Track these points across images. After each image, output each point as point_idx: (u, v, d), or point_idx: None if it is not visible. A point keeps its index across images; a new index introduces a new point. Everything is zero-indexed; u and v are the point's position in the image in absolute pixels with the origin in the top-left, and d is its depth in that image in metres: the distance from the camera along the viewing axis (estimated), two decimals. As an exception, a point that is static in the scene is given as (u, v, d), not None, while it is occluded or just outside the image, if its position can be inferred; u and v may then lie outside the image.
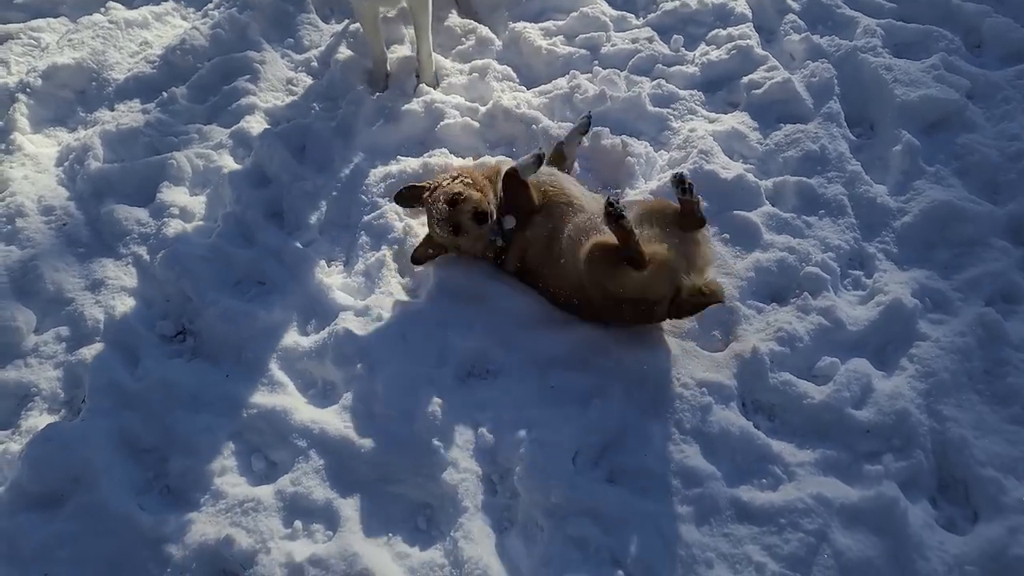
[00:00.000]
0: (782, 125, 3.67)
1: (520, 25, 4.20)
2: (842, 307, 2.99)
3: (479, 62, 4.03)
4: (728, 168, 3.42)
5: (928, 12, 4.16)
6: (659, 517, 2.50)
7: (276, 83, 4.02)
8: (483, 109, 3.72)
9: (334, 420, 2.70)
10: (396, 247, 3.20)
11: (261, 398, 2.76)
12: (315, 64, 4.13)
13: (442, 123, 3.64)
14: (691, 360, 2.87)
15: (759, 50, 3.97)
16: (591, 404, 2.73)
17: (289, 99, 3.93)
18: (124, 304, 3.13)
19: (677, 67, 3.97)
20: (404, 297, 3.07)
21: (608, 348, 2.84)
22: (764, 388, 2.80)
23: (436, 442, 2.61)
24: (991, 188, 3.37)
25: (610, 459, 2.66)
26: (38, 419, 2.83)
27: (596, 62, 4.02)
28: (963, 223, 3.19)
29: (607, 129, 3.60)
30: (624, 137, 3.58)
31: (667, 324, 2.94)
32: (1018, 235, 3.19)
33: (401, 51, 4.13)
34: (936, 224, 3.22)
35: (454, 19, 4.31)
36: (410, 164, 3.45)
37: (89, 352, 2.95)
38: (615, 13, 4.30)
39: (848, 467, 2.62)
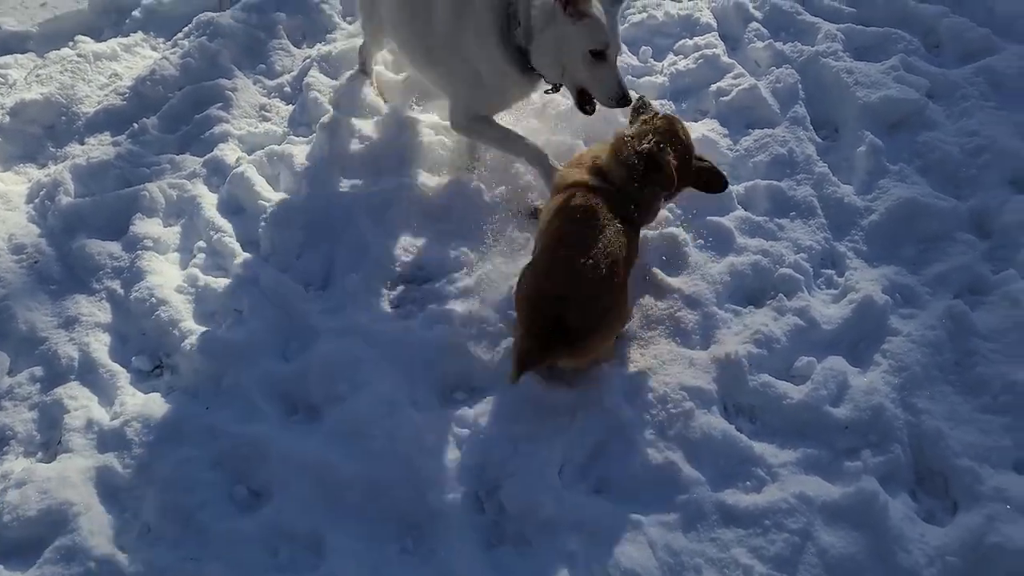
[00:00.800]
0: (751, 130, 3.73)
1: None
2: (816, 307, 3.03)
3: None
4: (699, 175, 3.46)
5: (886, 15, 4.25)
6: (646, 526, 2.50)
7: (249, 110, 4.02)
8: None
9: (317, 445, 2.68)
10: (375, 266, 3.20)
11: (242, 427, 2.73)
12: (288, 89, 4.13)
13: (417, 140, 3.63)
14: (672, 367, 2.89)
15: (725, 58, 4.03)
16: (575, 416, 2.75)
17: (263, 125, 3.93)
18: (99, 340, 3.09)
19: (647, 78, 4.03)
20: (385, 316, 3.07)
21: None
22: (744, 391, 2.83)
23: (421, 462, 2.61)
24: (954, 183, 3.44)
25: (596, 470, 2.67)
26: (14, 463, 2.77)
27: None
28: (928, 219, 3.26)
29: (581, 141, 3.64)
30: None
31: (645, 332, 2.99)
32: (981, 228, 3.26)
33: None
34: (902, 221, 3.28)
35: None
36: (388, 183, 3.46)
37: (64, 391, 2.90)
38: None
39: (828, 464, 2.64)
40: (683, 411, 2.74)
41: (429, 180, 3.45)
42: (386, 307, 3.10)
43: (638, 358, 2.92)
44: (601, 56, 2.80)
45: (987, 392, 2.74)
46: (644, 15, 4.33)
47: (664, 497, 2.57)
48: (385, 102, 3.89)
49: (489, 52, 3.03)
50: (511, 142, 3.26)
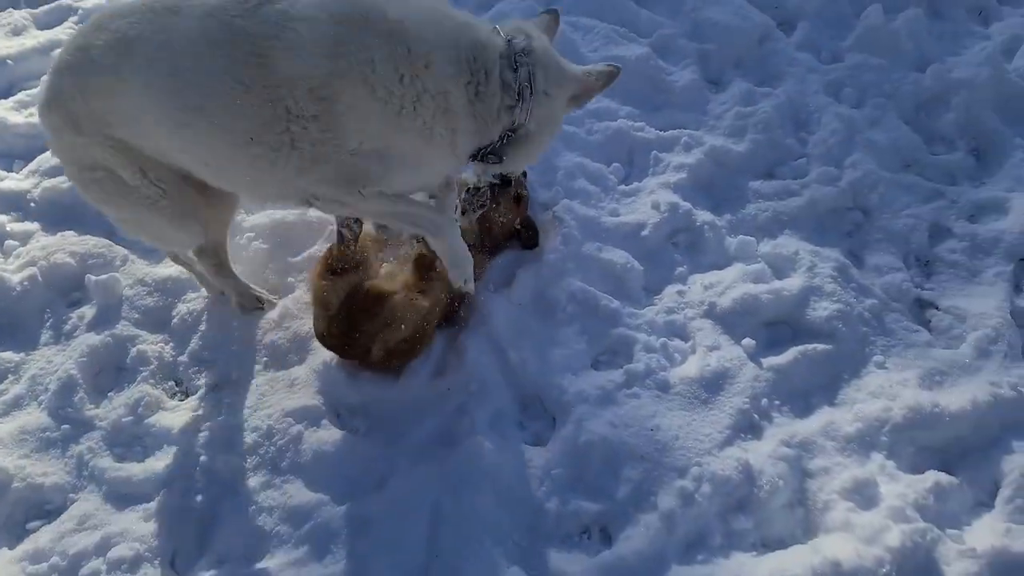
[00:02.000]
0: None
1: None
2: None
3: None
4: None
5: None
6: (276, 572, 2.35)
7: None
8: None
9: None
10: None
11: None
12: None
13: None
14: (273, 393, 2.74)
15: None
16: (167, 497, 2.49)
17: None
18: None
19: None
20: None
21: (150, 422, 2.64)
22: (349, 392, 2.76)
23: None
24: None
25: (211, 547, 2.44)
26: None
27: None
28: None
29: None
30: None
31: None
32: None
33: None
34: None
35: None
36: None
37: None
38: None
39: (445, 433, 2.66)
40: (291, 437, 2.62)
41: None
42: None
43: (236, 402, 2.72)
44: None
45: (558, 309, 2.95)
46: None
47: (291, 535, 2.43)
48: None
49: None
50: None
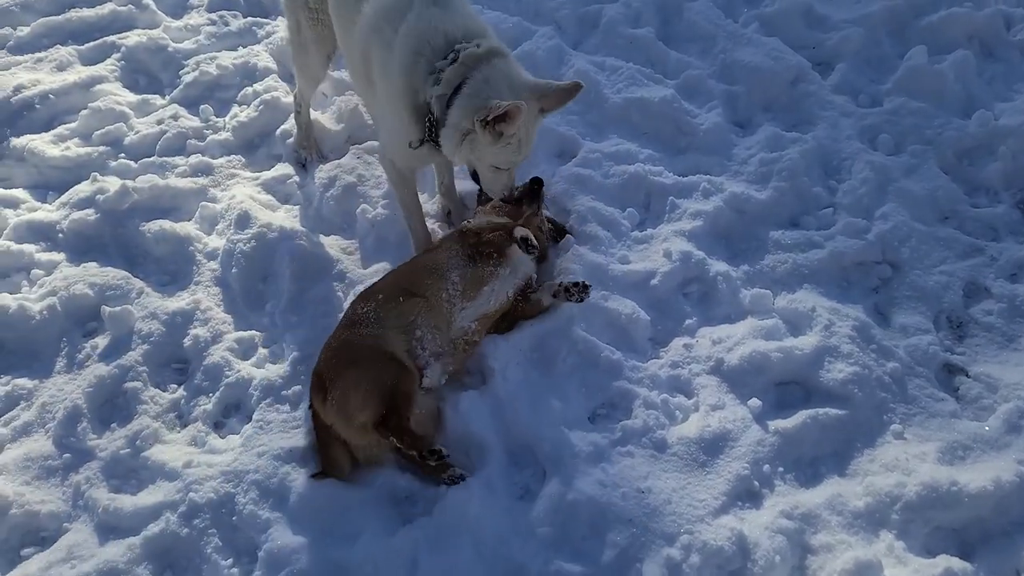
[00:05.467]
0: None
1: (24, 139, 3.82)
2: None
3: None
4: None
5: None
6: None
7: None
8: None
9: None
10: None
11: None
12: None
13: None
14: (267, 432, 2.75)
15: (286, 98, 3.96)
16: (153, 532, 2.51)
17: None
18: None
19: (211, 136, 3.86)
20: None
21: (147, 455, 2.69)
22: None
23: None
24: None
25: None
26: None
27: (122, 155, 3.78)
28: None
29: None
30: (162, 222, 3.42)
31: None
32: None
33: None
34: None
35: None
36: None
37: None
38: (136, 98, 4.07)
39: (430, 481, 2.62)
40: (279, 478, 2.61)
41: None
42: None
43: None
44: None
45: (558, 358, 2.86)
46: (197, 72, 4.15)
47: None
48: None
49: (398, 108, 2.81)
50: (411, 213, 3.17)
